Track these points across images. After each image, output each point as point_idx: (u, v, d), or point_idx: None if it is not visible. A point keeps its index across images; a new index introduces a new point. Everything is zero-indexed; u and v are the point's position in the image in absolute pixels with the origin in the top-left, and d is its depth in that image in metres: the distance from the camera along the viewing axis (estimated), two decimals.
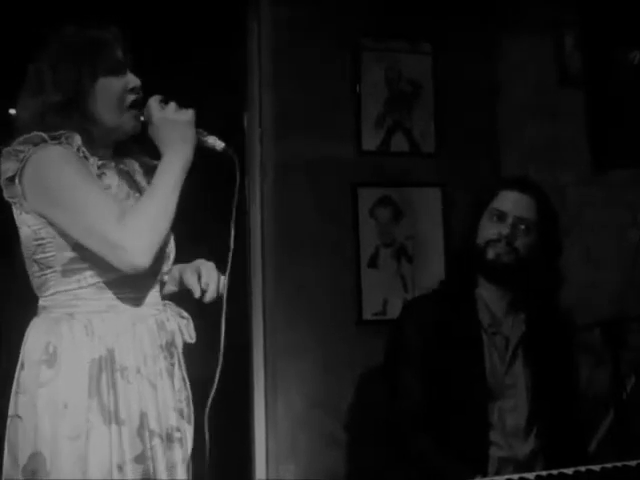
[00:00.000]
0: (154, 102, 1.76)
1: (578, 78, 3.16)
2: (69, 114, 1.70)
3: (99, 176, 1.73)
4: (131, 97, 1.77)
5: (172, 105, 1.76)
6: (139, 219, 1.64)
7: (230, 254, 1.75)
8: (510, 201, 2.31)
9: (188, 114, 1.75)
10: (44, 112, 1.70)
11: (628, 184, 3.01)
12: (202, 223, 1.73)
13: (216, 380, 1.74)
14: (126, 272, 1.66)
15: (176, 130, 1.72)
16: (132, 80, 1.77)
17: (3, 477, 1.71)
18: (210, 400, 1.73)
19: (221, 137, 1.80)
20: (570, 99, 3.18)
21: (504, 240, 2.27)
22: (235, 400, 3.33)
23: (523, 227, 2.28)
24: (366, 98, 3.37)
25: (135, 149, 1.90)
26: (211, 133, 1.79)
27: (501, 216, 2.30)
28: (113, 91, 1.75)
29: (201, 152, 1.77)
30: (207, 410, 1.74)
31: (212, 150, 1.78)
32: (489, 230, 2.30)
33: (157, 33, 2.93)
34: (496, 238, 2.28)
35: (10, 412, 1.72)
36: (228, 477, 3.36)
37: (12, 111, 1.80)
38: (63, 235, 1.68)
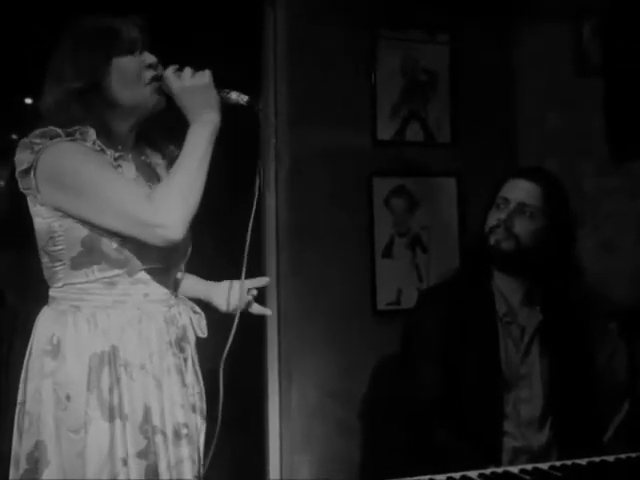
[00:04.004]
0: (170, 72, 1.75)
1: (597, 67, 3.13)
2: (90, 101, 1.71)
3: (116, 168, 1.73)
4: (149, 73, 1.76)
5: (187, 71, 1.74)
6: (169, 193, 1.65)
7: (255, 202, 1.76)
8: (515, 188, 2.31)
9: (205, 77, 1.73)
10: (68, 100, 1.70)
11: None
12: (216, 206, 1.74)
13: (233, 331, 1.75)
14: (160, 246, 1.68)
15: (197, 96, 1.71)
16: (148, 57, 1.77)
17: (12, 461, 1.73)
18: (225, 353, 1.75)
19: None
20: (589, 88, 3.15)
21: (502, 225, 2.26)
22: (250, 390, 3.34)
23: (527, 213, 2.27)
24: (382, 87, 3.36)
25: (159, 139, 1.90)
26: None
27: (504, 203, 2.30)
28: (128, 68, 1.74)
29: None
30: (222, 362, 1.74)
31: (237, 105, 1.78)
32: (491, 217, 2.31)
33: (171, 22, 2.93)
34: (495, 224, 2.28)
35: (19, 399, 1.74)
36: (243, 467, 3.38)
37: (28, 100, 1.81)
38: (76, 228, 1.69)
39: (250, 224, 1.78)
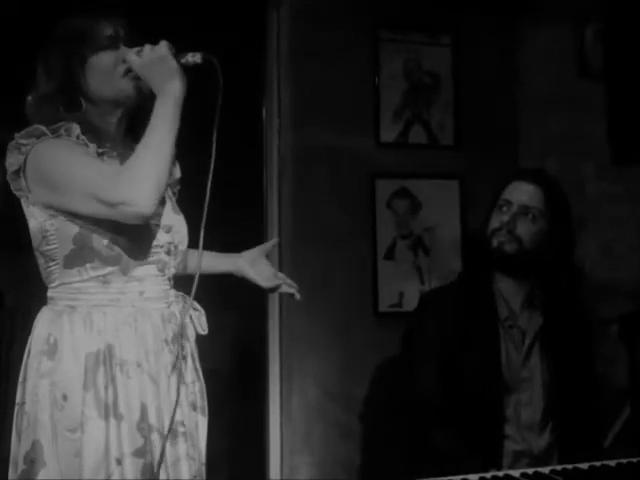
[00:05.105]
0: (131, 55, 1.73)
1: (599, 71, 3.13)
2: (71, 100, 1.73)
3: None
4: (123, 66, 1.75)
5: (146, 48, 1.72)
6: (132, 170, 1.63)
7: (212, 159, 1.71)
8: (517, 191, 2.31)
9: (162, 48, 1.71)
10: (42, 106, 1.72)
11: None
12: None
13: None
14: (134, 223, 1.65)
15: (156, 69, 1.69)
16: (124, 52, 1.76)
17: (10, 462, 1.73)
18: (192, 294, 1.75)
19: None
20: (591, 91, 3.15)
21: (505, 228, 2.27)
22: (250, 391, 3.34)
23: (530, 216, 2.28)
24: (385, 90, 3.37)
25: None
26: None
27: (506, 205, 2.31)
28: (104, 64, 1.75)
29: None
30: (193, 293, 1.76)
31: (196, 66, 1.73)
32: (494, 219, 2.32)
33: (173, 24, 2.93)
34: (498, 226, 2.29)
35: (17, 399, 1.74)
36: (243, 467, 3.37)
37: (29, 98, 1.82)
38: (67, 226, 1.69)
39: (209, 185, 1.71)
